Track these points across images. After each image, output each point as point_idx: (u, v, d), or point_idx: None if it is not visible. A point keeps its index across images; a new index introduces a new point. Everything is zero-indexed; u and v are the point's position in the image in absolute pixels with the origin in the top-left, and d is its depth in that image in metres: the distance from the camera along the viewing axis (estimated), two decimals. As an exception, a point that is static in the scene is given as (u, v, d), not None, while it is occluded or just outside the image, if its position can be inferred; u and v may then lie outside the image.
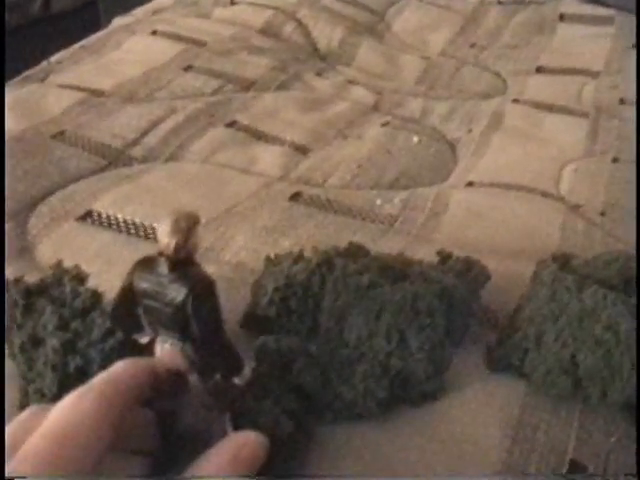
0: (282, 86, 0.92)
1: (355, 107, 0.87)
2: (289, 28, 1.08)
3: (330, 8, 1.15)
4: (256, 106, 0.85)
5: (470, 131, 0.83)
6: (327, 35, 1.08)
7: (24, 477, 0.27)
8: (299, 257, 0.50)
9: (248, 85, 0.91)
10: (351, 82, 0.95)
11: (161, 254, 0.33)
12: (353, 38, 1.08)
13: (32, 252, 0.59)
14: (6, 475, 0.28)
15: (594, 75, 1.03)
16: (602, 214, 0.70)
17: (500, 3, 1.30)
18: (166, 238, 0.33)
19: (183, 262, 0.33)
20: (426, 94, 0.95)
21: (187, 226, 0.33)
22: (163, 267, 0.33)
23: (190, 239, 0.33)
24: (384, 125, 0.83)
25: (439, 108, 0.89)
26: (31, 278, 0.49)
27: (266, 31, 1.07)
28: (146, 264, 0.34)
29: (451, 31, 1.17)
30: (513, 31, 1.19)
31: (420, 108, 0.89)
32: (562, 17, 1.22)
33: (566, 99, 0.95)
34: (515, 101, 0.91)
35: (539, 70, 1.04)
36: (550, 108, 0.90)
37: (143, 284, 0.34)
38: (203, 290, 0.32)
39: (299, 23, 1.09)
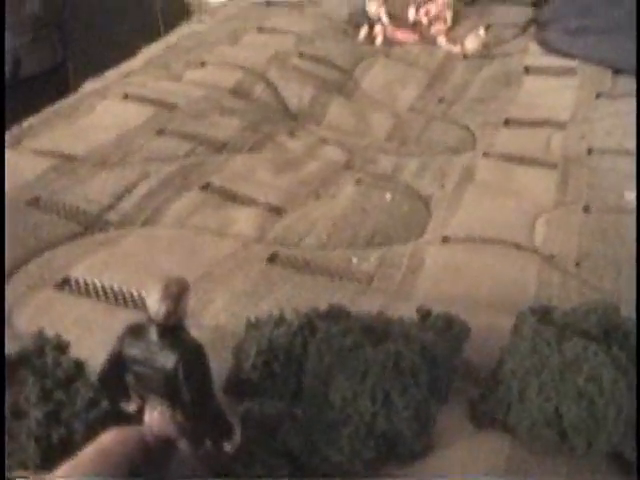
0: (254, 147, 0.94)
1: (327, 166, 0.90)
2: (259, 88, 1.12)
3: (299, 67, 1.19)
4: (229, 168, 0.87)
5: (443, 187, 0.86)
6: (297, 94, 1.12)
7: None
8: (280, 320, 0.51)
9: (220, 147, 0.93)
10: (323, 141, 0.98)
11: (151, 321, 0.34)
12: (323, 97, 1.12)
13: (10, 321, 0.60)
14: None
15: (561, 126, 1.07)
16: (577, 264, 0.73)
17: (466, 57, 1.35)
18: (156, 305, 0.34)
19: (173, 329, 0.34)
20: (397, 151, 0.98)
21: (177, 292, 0.34)
22: (153, 334, 0.34)
23: (180, 305, 0.34)
24: (357, 183, 0.86)
25: (411, 164, 0.92)
26: (10, 347, 0.49)
27: (237, 92, 1.10)
28: (136, 331, 0.35)
29: (419, 87, 1.21)
30: (480, 85, 1.23)
31: (392, 165, 0.92)
32: (527, 70, 1.27)
33: (535, 151, 0.99)
34: (485, 155, 0.95)
35: (507, 123, 1.08)
36: (520, 160, 0.94)
37: (133, 351, 0.35)
38: (194, 357, 0.34)
39: (269, 83, 1.13)
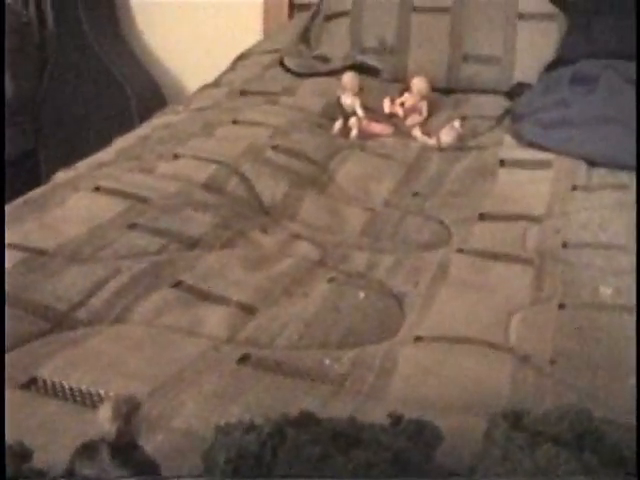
0: (227, 244, 0.98)
1: (300, 263, 0.93)
2: (233, 183, 1.16)
3: (273, 161, 1.24)
4: (201, 265, 0.90)
5: (416, 284, 0.89)
6: (271, 189, 1.16)
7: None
8: (250, 426, 0.53)
9: (193, 243, 0.97)
10: (296, 237, 1.02)
11: (103, 440, 0.35)
12: (297, 191, 1.16)
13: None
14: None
15: (536, 220, 1.12)
16: (552, 362, 0.76)
17: (441, 150, 1.42)
18: (107, 424, 0.35)
19: (126, 448, 0.35)
20: (371, 247, 1.02)
21: (128, 411, 0.35)
22: (105, 453, 0.35)
23: (132, 424, 0.35)
24: (330, 281, 0.89)
25: (385, 261, 0.96)
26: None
27: (210, 186, 1.15)
28: (88, 449, 0.36)
29: (394, 180, 1.26)
30: (455, 178, 1.29)
31: (365, 262, 0.95)
32: (502, 163, 1.33)
33: (510, 246, 1.04)
34: (459, 251, 0.99)
35: (482, 217, 1.13)
36: (495, 257, 0.98)
37: (85, 471, 0.35)
38: (149, 478, 0.34)
39: (242, 177, 1.18)
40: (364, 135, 1.45)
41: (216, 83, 1.77)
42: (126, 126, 1.70)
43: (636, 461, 0.48)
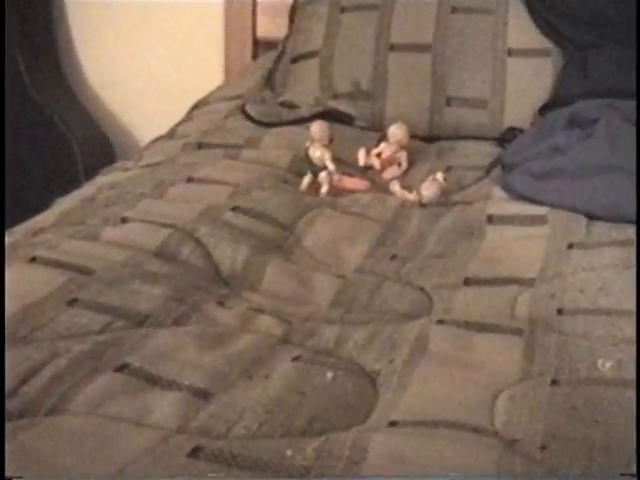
0: (179, 320, 1.00)
1: (262, 340, 0.96)
2: (187, 249, 1.19)
3: (233, 224, 1.27)
4: (150, 345, 0.92)
5: (392, 361, 0.92)
6: (230, 256, 1.19)
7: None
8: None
9: (141, 320, 0.99)
10: (258, 310, 1.04)
11: None
12: (259, 257, 1.20)
13: None
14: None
15: (528, 283, 1.15)
16: (542, 448, 0.78)
17: (423, 206, 1.46)
18: None
19: None
20: (342, 319, 1.05)
21: None
22: None
23: None
24: (295, 360, 0.92)
25: (356, 335, 0.98)
26: None
27: (161, 254, 1.18)
28: None
29: (369, 242, 1.30)
30: (438, 238, 1.33)
31: (335, 337, 0.98)
32: (490, 219, 1.37)
33: (498, 315, 1.07)
34: (440, 322, 1.02)
35: (467, 282, 1.16)
36: (480, 327, 1.01)
37: None
38: None
39: (198, 243, 1.21)
40: (336, 191, 1.49)
41: (170, 135, 1.81)
42: (70, 183, 1.73)
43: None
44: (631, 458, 0.74)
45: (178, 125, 1.88)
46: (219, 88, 2.12)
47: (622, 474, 0.49)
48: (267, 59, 2.12)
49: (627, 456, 0.75)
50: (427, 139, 1.83)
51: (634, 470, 0.49)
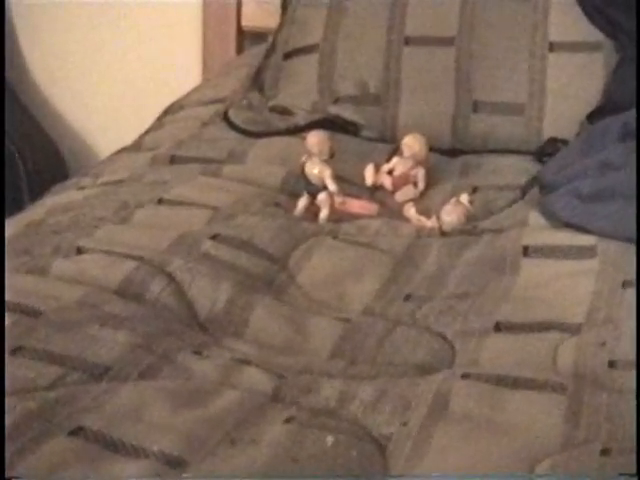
0: (147, 373, 1.01)
1: (248, 398, 0.97)
2: (157, 287, 1.20)
3: (212, 256, 1.29)
4: (110, 404, 0.93)
5: (405, 424, 0.93)
6: (209, 295, 1.20)
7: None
8: None
9: (100, 373, 1.00)
10: (242, 361, 1.06)
11: None
12: (244, 297, 1.21)
13: None
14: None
15: (573, 330, 1.16)
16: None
17: (444, 235, 1.47)
18: None
19: None
20: (345, 372, 1.06)
21: None
22: None
23: None
24: (287, 422, 0.93)
25: (362, 392, 0.99)
26: None
27: (125, 292, 1.19)
28: None
29: (378, 279, 1.31)
30: (462, 274, 1.34)
31: (337, 393, 0.99)
32: (527, 251, 1.38)
33: (535, 367, 1.08)
34: (466, 376, 1.03)
35: (498, 328, 1.17)
36: (514, 383, 1.02)
37: None
38: None
39: (170, 279, 1.22)
40: (338, 216, 1.51)
41: (136, 146, 1.83)
42: (13, 204, 1.75)
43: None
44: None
45: (145, 134, 1.90)
46: (196, 89, 2.14)
47: (622, 474, 0.51)
48: (254, 54, 2.14)
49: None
50: (449, 153, 1.85)
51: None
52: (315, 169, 1.55)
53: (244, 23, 2.31)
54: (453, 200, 1.53)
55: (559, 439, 0.92)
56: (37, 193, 1.70)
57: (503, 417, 0.96)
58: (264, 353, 1.11)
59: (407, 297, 1.28)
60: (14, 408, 0.92)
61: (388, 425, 0.94)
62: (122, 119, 2.31)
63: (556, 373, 1.07)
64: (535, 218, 1.50)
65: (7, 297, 1.12)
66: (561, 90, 1.85)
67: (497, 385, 1.01)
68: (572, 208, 1.46)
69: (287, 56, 2.00)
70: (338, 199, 1.53)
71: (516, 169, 1.75)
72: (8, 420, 0.89)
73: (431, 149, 1.72)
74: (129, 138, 1.89)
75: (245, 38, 2.32)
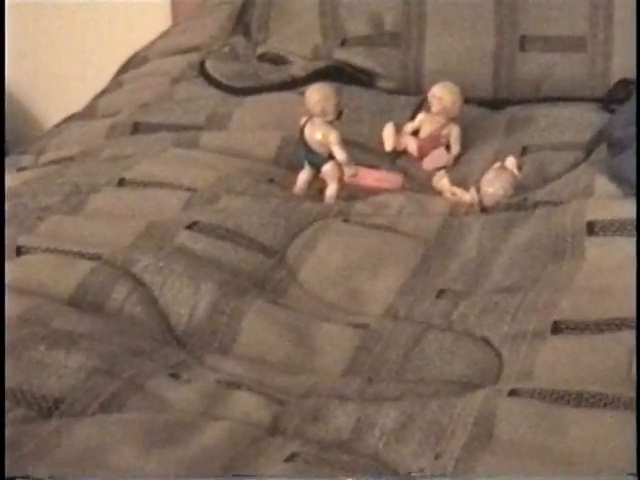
0: (109, 404, 1.02)
1: (239, 431, 0.98)
2: (120, 293, 1.21)
3: (190, 250, 1.30)
4: (64, 445, 0.93)
5: (439, 457, 0.94)
6: (187, 301, 1.21)
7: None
8: None
9: (49, 407, 1.00)
10: (231, 384, 1.06)
11: None
12: (232, 302, 1.22)
13: None
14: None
15: (654, 329, 1.17)
16: None
17: (485, 211, 1.48)
18: None
19: None
20: (362, 393, 1.07)
21: None
22: None
23: None
24: (290, 459, 0.93)
25: (384, 417, 1.00)
26: None
27: (80, 301, 1.20)
28: None
29: (403, 272, 1.32)
30: (510, 261, 1.35)
31: (351, 422, 1.00)
32: (592, 228, 1.38)
33: (605, 379, 1.08)
34: (514, 393, 1.03)
35: (557, 328, 1.18)
36: (577, 399, 1.02)
37: None
38: None
39: (137, 282, 1.23)
40: (349, 193, 1.52)
41: (88, 112, 1.84)
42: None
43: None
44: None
45: (99, 97, 1.90)
46: (163, 35, 2.14)
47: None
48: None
49: None
50: (491, 104, 1.86)
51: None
52: (318, 133, 1.54)
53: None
54: (497, 166, 1.54)
55: (634, 470, 0.93)
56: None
57: (564, 444, 0.96)
58: (258, 372, 1.12)
59: (440, 293, 1.29)
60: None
61: (417, 458, 0.95)
62: (70, 78, 2.31)
63: (632, 386, 1.07)
64: (602, 185, 1.51)
65: None
66: (632, 18, 1.84)
67: (555, 403, 1.02)
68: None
69: (280, -12, 2.01)
70: (349, 170, 1.53)
71: (577, 122, 1.75)
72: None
73: (467, 101, 1.73)
74: (79, 103, 1.89)
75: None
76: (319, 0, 1.96)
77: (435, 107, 1.69)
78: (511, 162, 1.53)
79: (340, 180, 1.53)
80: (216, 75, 1.86)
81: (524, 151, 1.65)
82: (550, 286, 1.28)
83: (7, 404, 1.01)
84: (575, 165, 1.61)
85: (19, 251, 1.30)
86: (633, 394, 1.04)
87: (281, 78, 1.86)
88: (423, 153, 1.66)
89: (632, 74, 1.82)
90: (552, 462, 0.94)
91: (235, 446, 0.96)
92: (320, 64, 1.88)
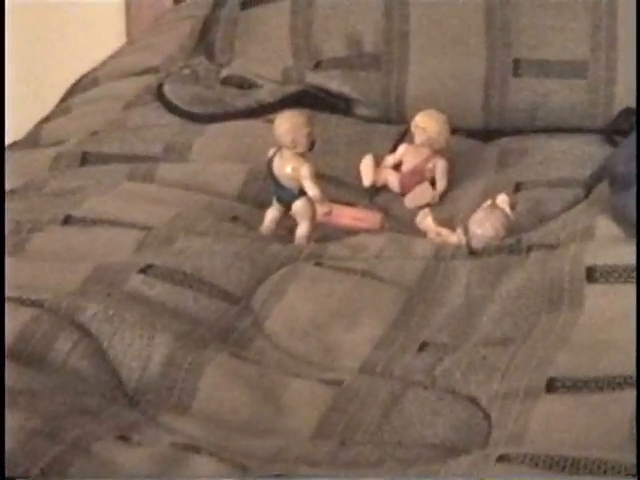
0: (50, 470, 1.00)
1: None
2: (64, 345, 1.21)
3: (144, 297, 1.30)
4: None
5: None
6: (139, 354, 1.22)
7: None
8: None
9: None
10: (189, 448, 1.06)
11: None
12: (190, 355, 1.21)
13: None
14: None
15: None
16: None
17: (473, 254, 1.48)
18: None
19: None
20: (335, 458, 1.07)
21: None
22: None
23: None
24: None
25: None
26: None
27: (19, 354, 1.19)
28: None
29: (381, 322, 1.33)
30: (501, 310, 1.35)
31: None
32: (593, 274, 1.39)
33: (606, 443, 1.08)
34: (504, 459, 1.03)
35: (552, 386, 1.18)
36: (574, 467, 1.02)
37: None
38: None
39: (84, 333, 1.23)
40: (323, 233, 1.53)
41: (31, 140, 1.84)
42: None
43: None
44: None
45: (44, 122, 1.90)
46: (116, 55, 2.14)
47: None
48: (199, 2, 2.14)
49: None
50: (481, 135, 1.88)
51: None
52: (288, 167, 1.54)
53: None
54: (487, 204, 1.55)
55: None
56: None
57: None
58: (219, 434, 1.12)
59: (423, 346, 1.30)
60: None
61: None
62: (12, 99, 2.32)
63: (634, 451, 1.08)
64: (604, 226, 1.51)
65: None
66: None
67: (550, 470, 1.02)
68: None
69: (246, 4, 2.02)
70: (322, 208, 1.54)
71: (576, 156, 1.77)
72: None
73: (454, 131, 1.74)
74: (22, 128, 1.89)
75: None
76: (290, 17, 1.96)
77: (419, 138, 1.70)
78: (503, 200, 1.54)
79: (312, 219, 1.53)
80: (175, 100, 1.87)
81: (517, 188, 1.66)
82: (545, 339, 1.29)
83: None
84: (574, 204, 1.62)
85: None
86: (635, 460, 1.04)
87: (247, 104, 1.87)
88: (405, 189, 1.67)
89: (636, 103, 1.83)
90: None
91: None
92: (291, 88, 1.89)
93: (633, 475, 0.62)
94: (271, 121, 1.65)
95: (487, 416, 1.16)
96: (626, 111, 1.84)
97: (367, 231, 1.56)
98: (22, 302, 1.28)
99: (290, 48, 1.95)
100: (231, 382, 1.21)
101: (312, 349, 1.30)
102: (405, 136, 1.75)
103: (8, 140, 1.87)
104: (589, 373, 1.21)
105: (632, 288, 1.36)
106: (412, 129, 1.71)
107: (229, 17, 2.03)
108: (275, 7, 1.99)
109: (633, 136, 1.69)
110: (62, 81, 2.06)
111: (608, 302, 1.36)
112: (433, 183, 1.68)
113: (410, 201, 1.66)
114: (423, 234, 1.56)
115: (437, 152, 1.69)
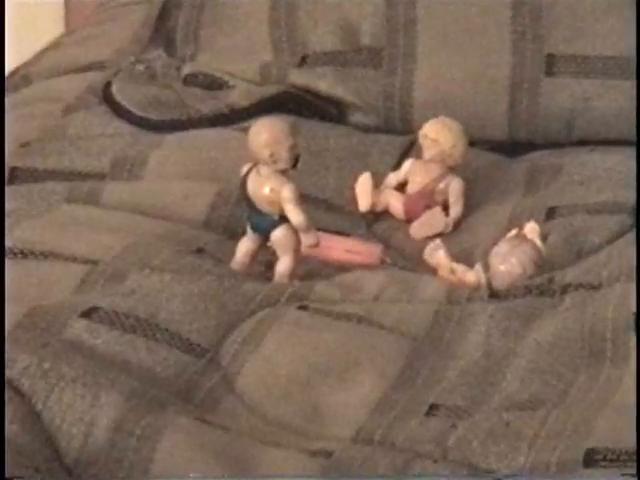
0: None
1: None
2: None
3: (88, 347, 1.32)
4: None
5: None
6: (81, 418, 1.21)
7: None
8: None
9: None
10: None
11: None
12: (145, 420, 1.22)
13: None
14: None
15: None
16: None
17: (497, 297, 1.48)
18: None
19: None
20: None
21: None
22: None
23: None
24: None
25: None
26: None
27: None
28: None
29: (380, 380, 1.34)
30: (528, 365, 1.36)
31: None
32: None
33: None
34: None
35: (592, 459, 1.19)
36: None
37: None
38: None
39: (14, 392, 1.23)
40: (308, 269, 1.55)
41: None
42: None
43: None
44: None
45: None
46: (52, 47, 2.15)
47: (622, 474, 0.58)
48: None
49: None
50: (506, 148, 1.90)
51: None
52: (266, 187, 1.55)
53: None
54: (513, 234, 1.56)
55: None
56: None
57: None
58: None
59: (432, 409, 1.31)
60: None
61: None
62: None
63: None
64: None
65: None
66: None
67: None
68: None
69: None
70: (308, 238, 1.54)
71: (622, 175, 1.78)
72: None
73: (472, 143, 1.76)
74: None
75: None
76: (270, 2, 1.98)
77: (428, 152, 1.71)
78: (532, 229, 1.55)
79: (296, 251, 1.54)
80: (126, 103, 1.87)
81: (550, 214, 1.67)
82: (583, 401, 1.30)
83: None
84: (619, 234, 1.64)
85: None
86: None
87: (216, 108, 1.88)
88: (411, 215, 1.68)
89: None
90: None
91: None
92: (270, 90, 1.90)
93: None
94: (245, 130, 1.65)
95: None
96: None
97: (363, 267, 1.57)
98: None
99: (269, 39, 1.96)
100: (195, 452, 1.21)
101: (294, 413, 1.31)
102: (411, 149, 1.76)
103: None
104: (634, 444, 1.21)
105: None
106: (420, 141, 1.72)
107: (194, 4, 2.04)
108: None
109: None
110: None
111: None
112: (446, 208, 1.69)
113: (417, 230, 1.66)
114: (433, 271, 1.57)
115: (451, 169, 1.71)
